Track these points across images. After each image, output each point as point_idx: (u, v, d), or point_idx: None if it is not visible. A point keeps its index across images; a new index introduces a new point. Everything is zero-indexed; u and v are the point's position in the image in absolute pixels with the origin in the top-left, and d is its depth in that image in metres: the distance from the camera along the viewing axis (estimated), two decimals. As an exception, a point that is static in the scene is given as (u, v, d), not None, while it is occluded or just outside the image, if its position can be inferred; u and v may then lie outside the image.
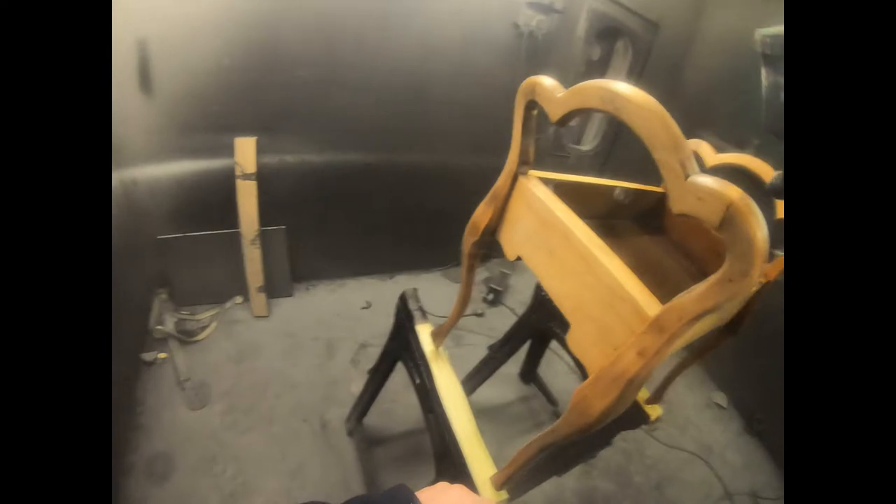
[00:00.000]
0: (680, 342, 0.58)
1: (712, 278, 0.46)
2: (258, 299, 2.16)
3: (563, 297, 0.67)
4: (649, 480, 2.03)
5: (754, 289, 0.95)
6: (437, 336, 1.12)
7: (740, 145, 2.42)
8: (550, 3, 2.05)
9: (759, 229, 0.41)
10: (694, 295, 0.48)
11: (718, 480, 2.13)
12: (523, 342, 1.82)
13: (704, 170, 0.53)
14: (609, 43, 2.62)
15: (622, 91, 0.52)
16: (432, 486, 0.47)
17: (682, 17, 2.59)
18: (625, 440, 2.13)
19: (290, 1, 1.69)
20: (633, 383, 0.56)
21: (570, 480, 1.88)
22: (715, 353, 1.17)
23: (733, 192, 0.42)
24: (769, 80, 1.06)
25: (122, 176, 1.76)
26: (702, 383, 2.66)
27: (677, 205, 0.47)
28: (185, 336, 1.98)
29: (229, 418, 1.74)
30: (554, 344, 2.01)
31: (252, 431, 1.72)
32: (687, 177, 0.46)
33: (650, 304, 0.55)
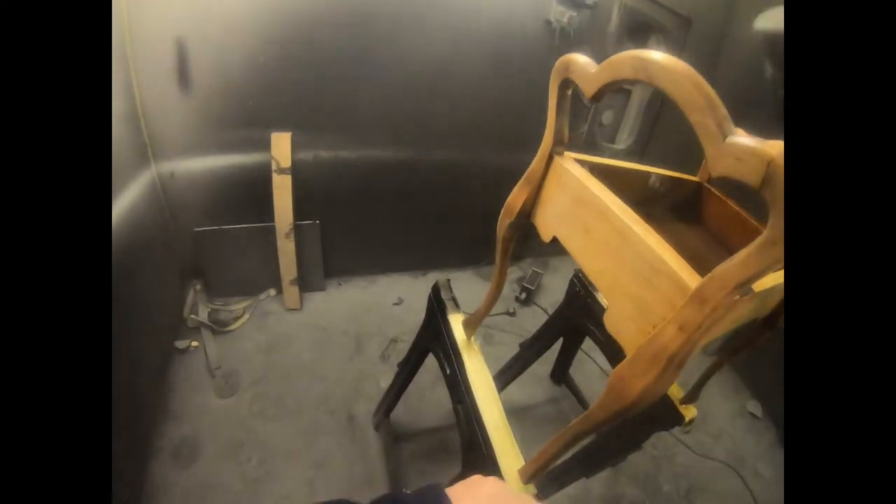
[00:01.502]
0: (723, 322, 0.56)
1: (756, 242, 0.44)
2: (291, 292, 2.20)
3: (600, 274, 0.66)
4: (678, 489, 1.96)
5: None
6: (469, 325, 1.11)
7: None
8: (582, -2, 2.03)
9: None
10: (737, 261, 0.46)
11: (749, 493, 2.05)
12: (555, 339, 1.79)
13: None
14: (641, 39, 2.57)
15: (653, 58, 0.52)
16: (466, 480, 0.45)
17: (714, 13, 2.54)
18: (655, 448, 2.06)
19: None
20: (675, 360, 0.54)
21: (597, 485, 1.84)
22: (752, 360, 1.12)
23: (773, 148, 0.40)
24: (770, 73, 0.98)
25: (161, 169, 1.83)
26: (737, 392, 2.56)
27: (716, 167, 0.46)
28: (218, 326, 2.03)
29: (257, 407, 1.77)
30: (586, 346, 1.97)
31: (279, 421, 1.74)
32: (725, 137, 0.44)
33: (690, 276, 0.53)
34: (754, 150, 0.42)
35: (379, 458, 1.69)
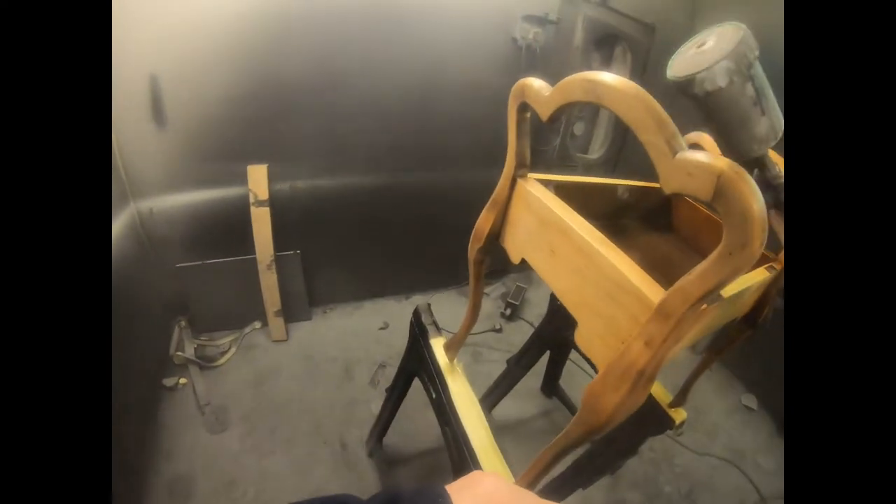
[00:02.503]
0: (691, 331, 0.57)
1: (712, 255, 0.45)
2: (276, 324, 2.18)
3: (568, 294, 0.67)
4: (680, 489, 1.96)
5: (769, 275, 0.93)
6: (450, 348, 1.12)
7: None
8: (545, 14, 2.08)
9: (753, 196, 0.40)
10: (696, 274, 0.47)
11: (752, 486, 2.05)
12: (541, 353, 1.79)
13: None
14: (608, 49, 2.64)
15: (602, 79, 0.53)
16: (465, 477, 0.44)
17: (677, 18, 2.60)
18: (652, 450, 2.06)
19: (296, 29, 1.75)
20: (644, 375, 0.55)
21: (597, 493, 1.83)
22: (742, 354, 1.13)
23: (722, 162, 0.41)
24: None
25: (140, 207, 1.83)
26: (730, 386, 2.58)
27: (668, 184, 0.47)
28: (205, 361, 2.00)
29: (249, 441, 1.74)
30: (574, 355, 1.98)
31: (272, 454, 1.72)
32: (675, 154, 0.45)
33: (653, 292, 0.54)
34: (704, 165, 0.43)
35: (375, 485, 1.67)
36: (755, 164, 0.69)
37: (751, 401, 2.50)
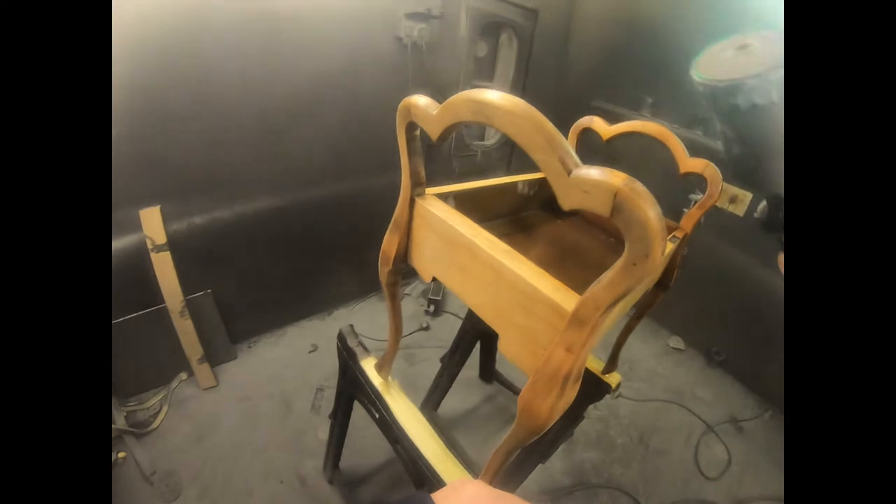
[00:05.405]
0: (607, 324, 0.60)
1: (617, 265, 0.47)
2: (202, 371, 2.02)
3: (483, 309, 0.67)
4: (632, 438, 2.11)
5: (674, 245, 1.00)
6: (382, 368, 1.10)
7: (636, 107, 2.59)
8: (428, 10, 2.07)
9: (651, 209, 0.41)
10: (604, 284, 0.49)
11: (697, 418, 2.26)
12: (472, 346, 1.82)
13: (590, 159, 0.52)
14: (493, 37, 2.69)
15: (489, 99, 0.51)
16: (449, 485, 0.47)
17: (558, 3, 2.72)
18: (597, 408, 2.19)
19: (171, 60, 1.60)
20: (570, 378, 0.57)
21: (557, 462, 1.92)
22: (662, 304, 1.21)
23: (617, 178, 0.42)
24: (721, 127, 0.89)
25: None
26: (656, 334, 2.81)
27: (565, 202, 0.47)
28: (139, 428, 1.82)
29: (207, 502, 1.62)
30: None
31: (233, 508, 1.61)
32: (569, 173, 0.45)
33: (566, 299, 0.55)
34: (599, 182, 0.43)
35: (343, 511, 1.63)
36: (776, 202, 0.63)
37: (677, 342, 2.75)
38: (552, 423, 0.63)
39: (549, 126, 0.48)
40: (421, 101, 0.66)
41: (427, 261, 0.78)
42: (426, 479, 0.99)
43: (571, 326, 0.54)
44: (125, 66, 1.50)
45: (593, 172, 0.44)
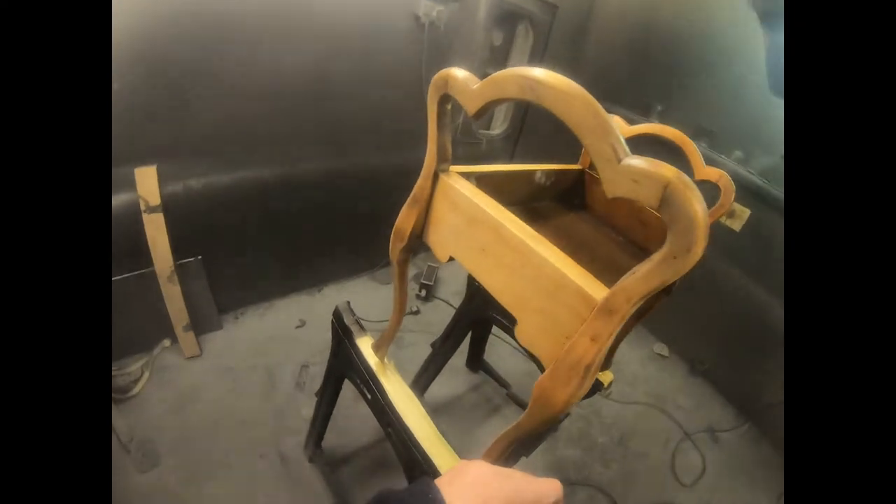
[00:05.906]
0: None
1: (656, 256, 0.46)
2: (187, 339, 1.98)
3: (504, 293, 0.66)
4: (612, 438, 2.14)
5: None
6: (380, 348, 1.08)
7: (645, 113, 2.59)
8: (448, -9, 2.03)
9: (699, 204, 0.41)
10: (640, 275, 0.48)
11: (676, 424, 2.30)
12: (465, 334, 1.81)
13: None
14: (510, 27, 2.66)
15: (543, 78, 0.50)
16: (452, 469, 0.46)
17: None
18: (580, 406, 2.21)
19: (179, 12, 1.53)
20: (591, 368, 0.56)
21: (538, 457, 1.93)
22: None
23: (668, 171, 0.42)
24: (768, 40, 0.94)
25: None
26: (642, 339, 2.84)
27: (613, 189, 0.46)
28: (119, 394, 1.77)
29: (183, 473, 1.59)
30: (496, 328, 2.04)
31: (210, 481, 1.58)
32: (619, 160, 0.45)
33: (595, 289, 0.54)
34: (650, 173, 0.43)
35: (324, 491, 1.62)
36: None
37: (662, 349, 2.78)
38: (565, 412, 0.63)
39: (603, 112, 0.47)
40: (460, 73, 0.64)
41: (445, 239, 0.76)
42: (416, 464, 0.98)
43: (600, 316, 0.53)
44: (128, 21, 1.43)
45: (644, 163, 0.44)
